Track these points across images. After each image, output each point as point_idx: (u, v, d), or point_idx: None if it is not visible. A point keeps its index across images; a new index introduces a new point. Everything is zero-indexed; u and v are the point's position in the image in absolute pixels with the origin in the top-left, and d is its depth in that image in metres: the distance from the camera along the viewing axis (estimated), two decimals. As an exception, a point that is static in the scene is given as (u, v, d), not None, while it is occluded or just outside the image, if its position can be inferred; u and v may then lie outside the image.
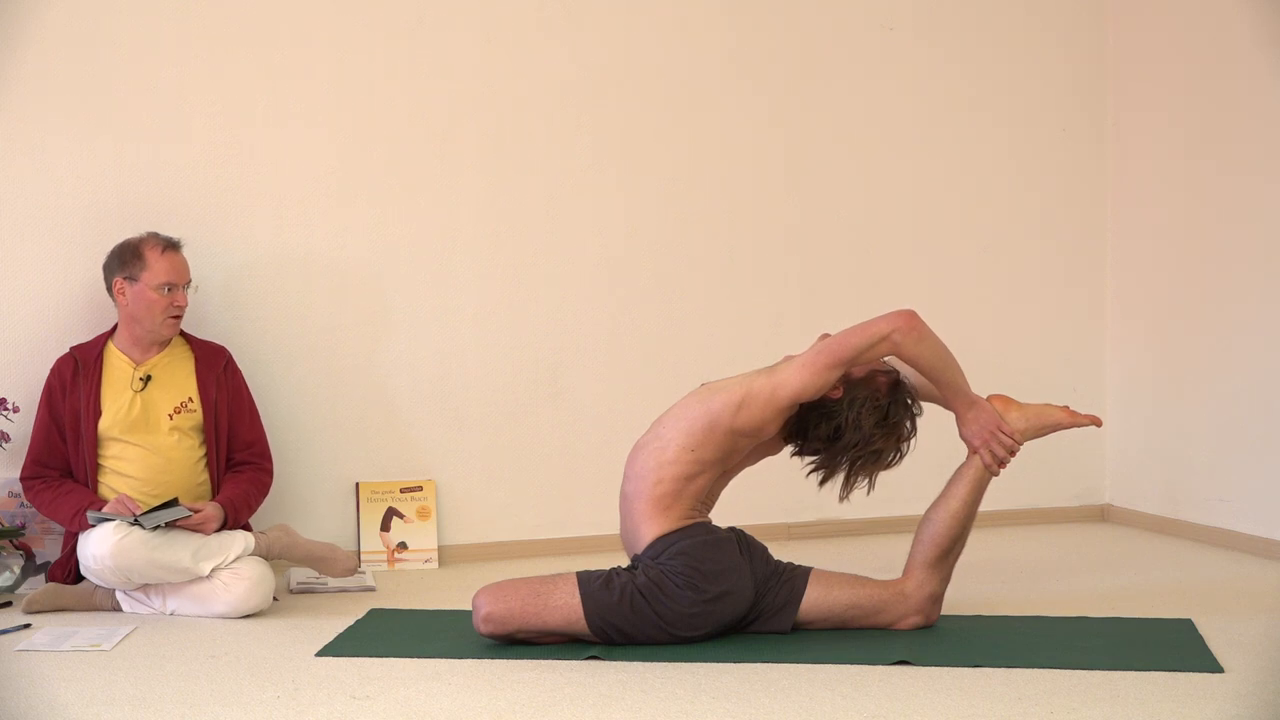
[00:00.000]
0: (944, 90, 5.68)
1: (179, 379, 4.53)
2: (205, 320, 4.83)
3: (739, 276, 5.46)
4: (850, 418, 3.91)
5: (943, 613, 4.04)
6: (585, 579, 3.82)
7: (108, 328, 4.58)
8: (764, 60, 5.47)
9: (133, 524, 4.18)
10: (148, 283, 4.43)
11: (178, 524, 4.23)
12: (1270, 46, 5.02)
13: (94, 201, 4.77)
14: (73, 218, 4.75)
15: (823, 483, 4.03)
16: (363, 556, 5.01)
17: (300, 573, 4.76)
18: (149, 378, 4.49)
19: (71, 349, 4.54)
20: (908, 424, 3.98)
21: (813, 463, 4.03)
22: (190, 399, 4.51)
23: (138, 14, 4.81)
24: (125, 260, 4.46)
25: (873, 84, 5.59)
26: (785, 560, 4.00)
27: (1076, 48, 5.80)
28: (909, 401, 3.99)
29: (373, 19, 5.06)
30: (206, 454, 4.53)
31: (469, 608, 3.91)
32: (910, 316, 3.87)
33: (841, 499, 4.03)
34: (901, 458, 4.01)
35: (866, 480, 4.00)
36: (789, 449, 4.08)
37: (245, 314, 4.93)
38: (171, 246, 4.49)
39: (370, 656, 3.81)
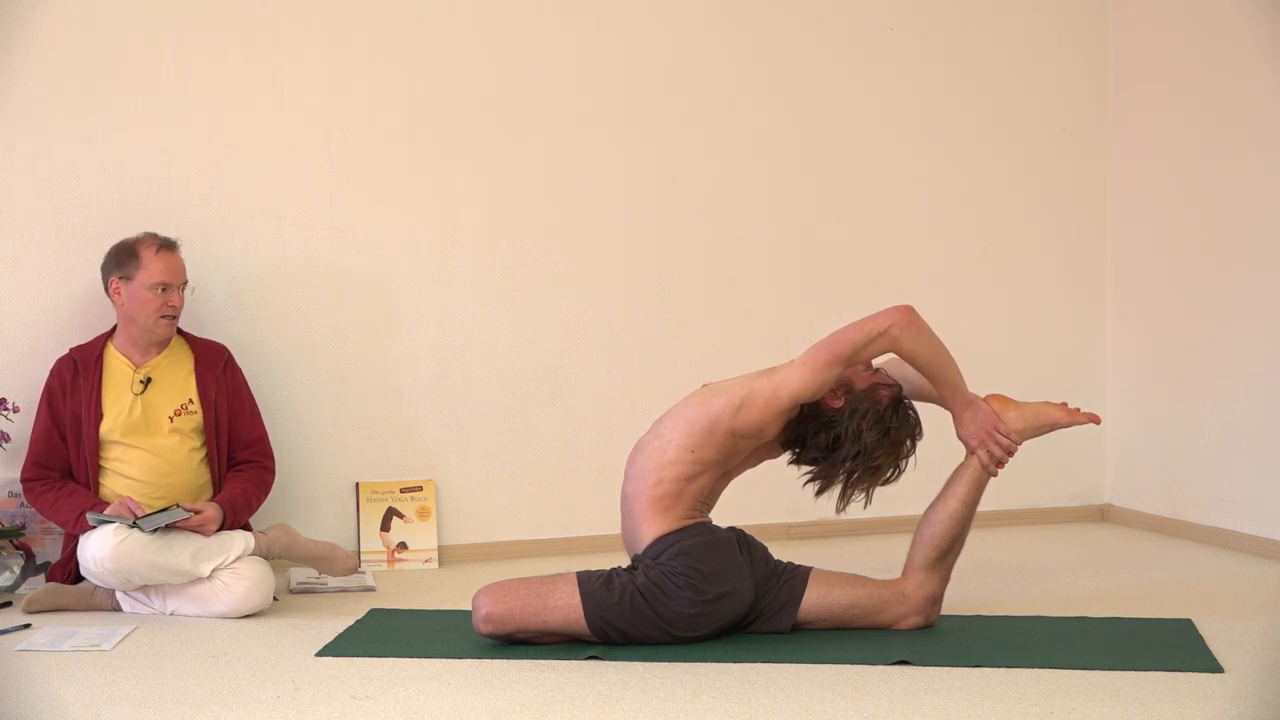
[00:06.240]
0: (945, 90, 5.68)
1: (179, 381, 4.52)
2: (206, 321, 4.83)
3: (739, 276, 5.46)
4: (850, 429, 3.90)
5: (943, 613, 4.04)
6: (585, 579, 3.82)
7: (107, 328, 4.58)
8: (765, 61, 5.47)
9: (131, 526, 4.18)
10: (142, 282, 4.42)
11: (178, 525, 4.23)
12: (1270, 46, 5.02)
13: (94, 201, 4.77)
14: (73, 218, 4.75)
15: (819, 493, 4.02)
16: (363, 556, 5.01)
17: (300, 573, 4.76)
18: (149, 380, 4.48)
19: (70, 350, 4.54)
20: (908, 441, 3.98)
21: (809, 472, 4.03)
22: (190, 400, 4.51)
23: (138, 16, 4.81)
24: (121, 260, 4.46)
25: (873, 84, 5.60)
26: (785, 560, 4.00)
27: (1077, 47, 5.80)
28: (911, 417, 3.98)
29: (373, 19, 5.06)
30: (208, 454, 4.52)
31: (469, 608, 3.91)
32: (908, 312, 3.87)
33: (838, 511, 4.02)
34: (900, 474, 4.00)
35: (864, 494, 3.99)
36: (788, 455, 4.07)
37: (246, 315, 4.93)
38: (167, 246, 4.48)
39: (370, 656, 3.80)
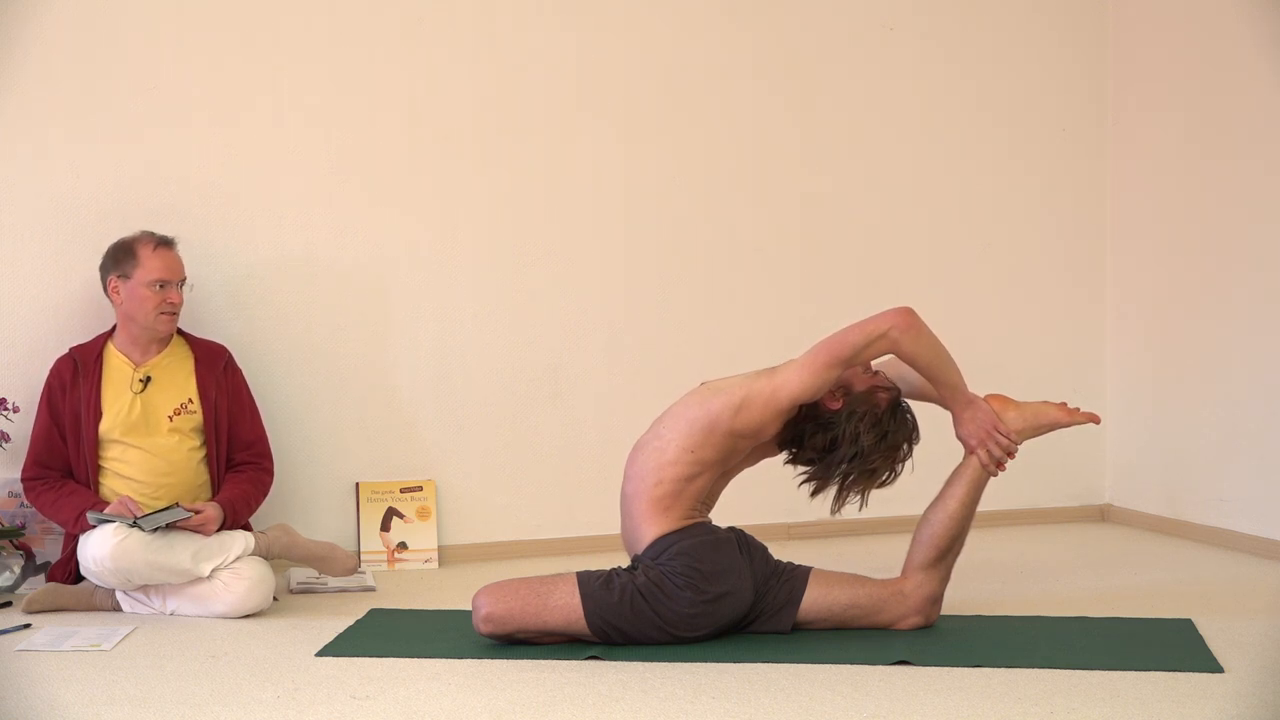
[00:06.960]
0: (945, 90, 5.68)
1: (179, 380, 4.53)
2: (206, 321, 4.83)
3: (739, 276, 5.46)
4: (848, 431, 3.90)
5: (943, 613, 4.04)
6: (585, 579, 3.82)
7: (107, 328, 4.58)
8: (765, 60, 5.47)
9: (132, 526, 4.18)
10: (140, 280, 4.43)
11: (178, 525, 4.23)
12: (1270, 46, 5.02)
13: (94, 201, 4.77)
14: (73, 218, 4.75)
15: (814, 494, 4.02)
16: (363, 556, 5.01)
17: (300, 573, 4.76)
18: (149, 379, 4.49)
19: (70, 350, 4.54)
20: (905, 445, 3.97)
21: (805, 473, 4.03)
22: (190, 400, 4.51)
23: (138, 16, 4.81)
24: (119, 258, 4.46)
25: (873, 83, 5.60)
26: (785, 560, 4.00)
27: (1077, 47, 5.80)
28: (909, 421, 3.98)
29: (373, 19, 5.06)
30: (207, 454, 4.52)
31: (469, 608, 3.91)
32: (908, 313, 3.87)
33: (833, 512, 4.02)
34: (895, 478, 4.00)
35: (859, 496, 3.99)
36: (785, 454, 4.07)
37: (246, 315, 4.93)
38: (165, 243, 4.49)
39: (370, 656, 3.80)
